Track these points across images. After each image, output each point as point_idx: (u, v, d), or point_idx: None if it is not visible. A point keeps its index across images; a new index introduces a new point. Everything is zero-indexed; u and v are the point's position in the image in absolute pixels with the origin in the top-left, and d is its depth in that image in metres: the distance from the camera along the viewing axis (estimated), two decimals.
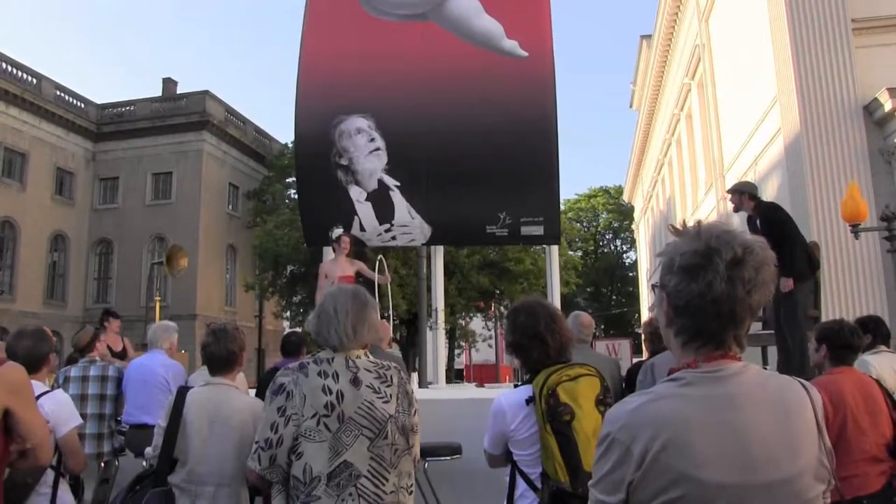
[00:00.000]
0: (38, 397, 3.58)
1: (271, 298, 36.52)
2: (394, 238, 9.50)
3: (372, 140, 9.43)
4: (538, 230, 9.16)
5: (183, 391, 3.42)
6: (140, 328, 23.33)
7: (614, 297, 62.11)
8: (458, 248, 28.26)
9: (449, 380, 34.23)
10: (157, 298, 19.55)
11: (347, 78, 9.63)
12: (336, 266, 8.95)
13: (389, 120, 9.48)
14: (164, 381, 5.65)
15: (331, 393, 2.74)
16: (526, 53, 9.33)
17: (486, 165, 9.17)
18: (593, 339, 7.06)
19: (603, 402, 2.86)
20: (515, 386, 3.00)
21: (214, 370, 3.53)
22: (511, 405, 2.89)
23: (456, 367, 45.58)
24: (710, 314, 1.42)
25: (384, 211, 9.37)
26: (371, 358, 2.91)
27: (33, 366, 3.71)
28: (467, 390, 8.39)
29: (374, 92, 9.56)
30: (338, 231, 9.18)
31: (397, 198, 9.36)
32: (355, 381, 2.79)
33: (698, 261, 1.42)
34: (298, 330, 6.85)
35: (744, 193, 7.21)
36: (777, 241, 5.97)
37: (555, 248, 9.64)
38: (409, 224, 9.33)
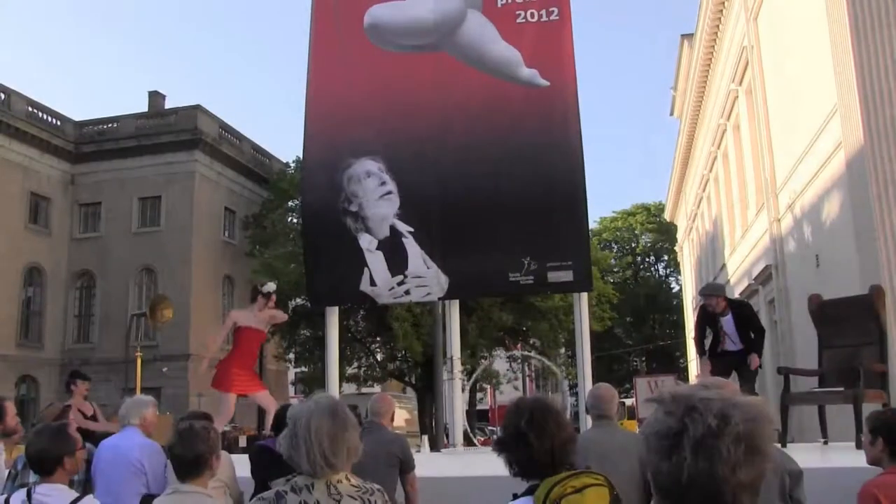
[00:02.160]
0: None
1: (272, 339, 36.57)
2: (408, 293, 9.49)
3: (383, 184, 9.49)
4: (567, 276, 9.09)
5: (147, 501, 3.39)
6: (125, 372, 23.46)
7: (657, 328, 61.72)
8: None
9: (471, 426, 34.16)
10: (138, 354, 19.48)
11: (356, 119, 9.76)
12: (250, 316, 9.68)
13: (401, 161, 9.55)
14: (140, 465, 5.57)
15: None
16: (546, 82, 9.34)
17: (507, 206, 9.19)
18: (621, 407, 7.01)
19: None
20: (515, 497, 2.96)
21: (182, 475, 3.48)
22: None
23: (480, 408, 45.47)
24: (693, 498, 1.37)
25: (397, 260, 9.37)
26: (353, 481, 2.85)
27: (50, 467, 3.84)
28: (483, 462, 8.27)
29: (384, 132, 9.67)
30: (272, 286, 10.00)
31: (411, 245, 9.36)
32: None
33: (668, 440, 1.38)
34: (293, 402, 6.83)
35: (720, 296, 9.27)
36: (751, 334, 8.95)
37: (584, 294, 9.60)
38: (425, 275, 9.31)
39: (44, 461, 3.79)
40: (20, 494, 3.80)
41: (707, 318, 9.17)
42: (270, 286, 9.86)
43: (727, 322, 8.94)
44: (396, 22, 9.89)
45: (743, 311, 9.31)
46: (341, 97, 9.93)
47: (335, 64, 10.06)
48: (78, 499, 3.75)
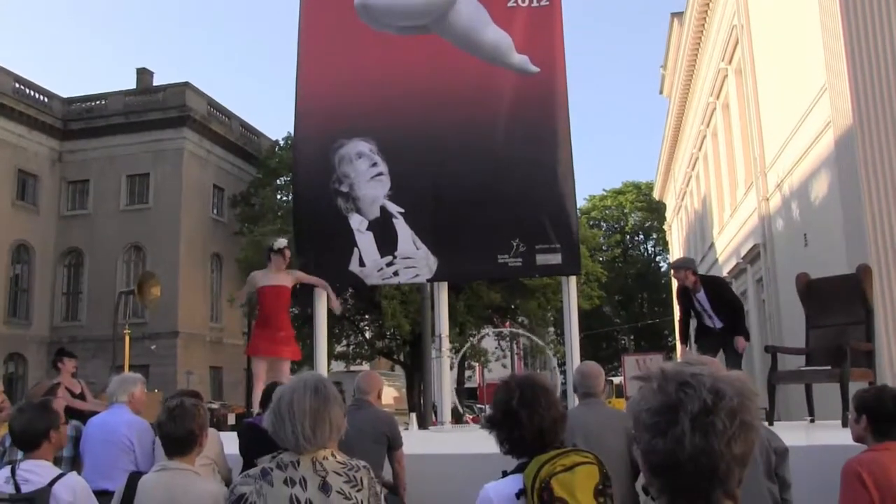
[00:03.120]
0: (51, 483, 3.66)
1: None
2: (396, 274, 9.52)
3: (374, 164, 9.49)
4: (555, 258, 9.16)
5: (134, 477, 3.39)
6: (113, 349, 23.42)
7: (646, 306, 61.98)
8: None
9: (459, 404, 34.28)
10: (127, 332, 19.47)
11: (347, 99, 9.76)
12: (268, 277, 8.96)
13: (392, 142, 9.57)
14: (128, 442, 5.60)
15: (298, 502, 2.72)
16: (537, 69, 9.40)
17: (496, 188, 9.27)
18: (609, 385, 7.05)
19: (603, 493, 2.87)
20: (504, 474, 2.98)
21: (171, 452, 3.49)
22: (500, 498, 2.88)
23: (468, 385, 45.61)
24: (689, 473, 1.39)
25: (386, 241, 9.40)
26: (339, 458, 2.87)
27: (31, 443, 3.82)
28: (471, 439, 8.31)
29: (376, 112, 9.68)
30: (282, 241, 9.26)
31: (401, 226, 9.38)
32: (324, 487, 2.76)
33: (663, 416, 1.39)
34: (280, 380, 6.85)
35: (688, 269, 9.07)
36: (729, 310, 8.90)
37: (572, 277, 9.63)
38: (414, 256, 9.35)
39: (29, 437, 3.78)
40: (4, 472, 3.77)
41: (685, 298, 9.10)
42: (281, 241, 9.33)
43: (702, 299, 8.94)
44: (387, 1, 9.84)
45: (715, 288, 9.27)
46: (332, 77, 9.89)
47: (326, 43, 10.03)
48: (61, 475, 3.73)
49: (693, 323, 9.31)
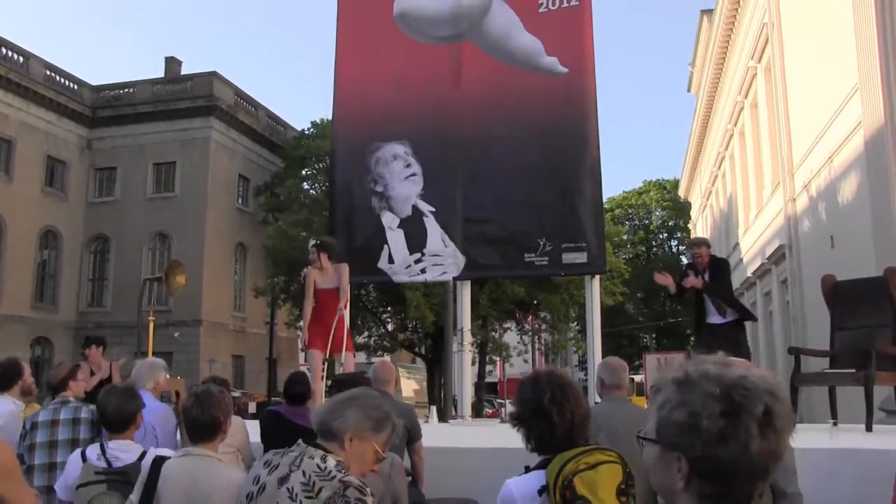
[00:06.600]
0: (139, 458, 3.98)
1: (283, 306, 36.59)
2: (424, 271, 9.75)
3: (408, 165, 9.85)
4: (581, 257, 9.27)
5: (158, 462, 3.43)
6: (138, 336, 23.61)
7: (668, 304, 61.61)
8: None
9: (479, 398, 34.31)
10: (151, 319, 19.62)
11: (383, 104, 10.16)
12: (323, 277, 8.59)
13: (425, 144, 9.92)
14: (150, 427, 5.63)
15: (257, 483, 2.83)
16: (566, 70, 9.56)
17: (524, 187, 9.50)
18: (630, 383, 7.03)
19: (625, 493, 2.84)
20: (527, 469, 2.97)
21: (195, 438, 3.53)
22: (522, 495, 2.88)
23: (489, 380, 45.58)
24: (744, 477, 1.38)
25: (416, 238, 9.69)
26: (324, 463, 2.78)
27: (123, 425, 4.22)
28: (492, 434, 8.30)
29: (411, 117, 10.05)
30: (312, 241, 9.16)
31: (431, 224, 9.66)
32: (282, 480, 2.78)
33: (727, 421, 1.36)
34: (304, 370, 6.92)
35: (708, 246, 9.19)
36: (726, 288, 8.95)
37: (596, 277, 9.64)
38: (442, 253, 9.59)
39: (120, 418, 4.17)
40: (94, 449, 4.13)
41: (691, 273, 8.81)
42: (311, 242, 9.25)
43: (706, 278, 8.68)
44: (424, 11, 10.16)
45: (719, 265, 9.06)
46: (371, 83, 10.29)
47: (365, 49, 10.44)
48: (145, 453, 4.00)
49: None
